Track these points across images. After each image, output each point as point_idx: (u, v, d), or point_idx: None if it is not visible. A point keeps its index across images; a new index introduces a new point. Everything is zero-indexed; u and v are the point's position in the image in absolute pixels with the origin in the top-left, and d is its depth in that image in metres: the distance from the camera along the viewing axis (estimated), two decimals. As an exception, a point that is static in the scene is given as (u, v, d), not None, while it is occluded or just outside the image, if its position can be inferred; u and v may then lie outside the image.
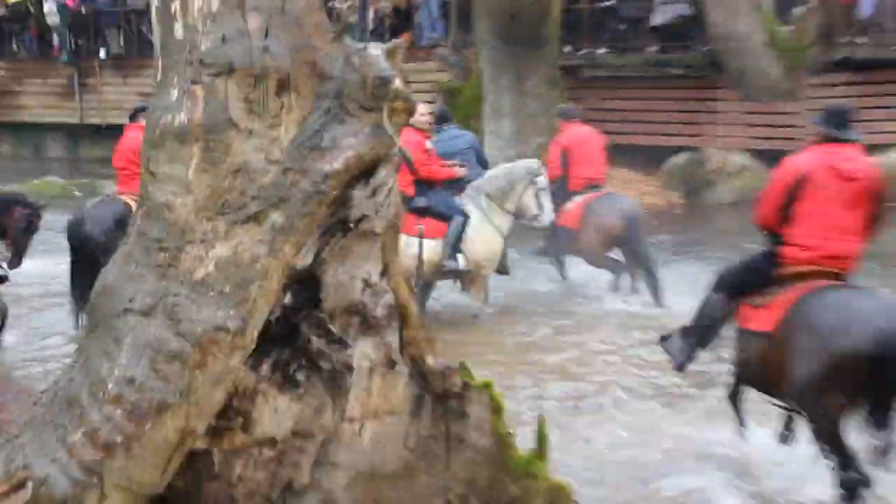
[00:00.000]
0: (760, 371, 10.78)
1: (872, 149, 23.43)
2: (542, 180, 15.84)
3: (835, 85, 23.73)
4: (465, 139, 17.14)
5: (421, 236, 14.63)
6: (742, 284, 11.40)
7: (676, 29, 25.07)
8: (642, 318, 15.72)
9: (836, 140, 10.45)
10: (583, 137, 15.74)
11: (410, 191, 14.70)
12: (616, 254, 16.52)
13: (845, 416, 10.12)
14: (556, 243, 15.19)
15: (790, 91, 23.80)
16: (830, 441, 10.13)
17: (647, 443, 11.73)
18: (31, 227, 14.17)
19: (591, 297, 17.12)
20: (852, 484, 9.84)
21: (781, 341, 10.36)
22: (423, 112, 15.29)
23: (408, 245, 14.34)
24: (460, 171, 15.37)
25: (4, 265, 13.77)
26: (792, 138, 23.40)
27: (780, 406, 11.00)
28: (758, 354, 10.73)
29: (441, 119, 17.13)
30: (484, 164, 16.45)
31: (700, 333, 11.62)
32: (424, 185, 14.83)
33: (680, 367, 11.78)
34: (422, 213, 14.82)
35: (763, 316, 10.68)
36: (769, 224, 10.88)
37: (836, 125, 10.52)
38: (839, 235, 10.32)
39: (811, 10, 23.88)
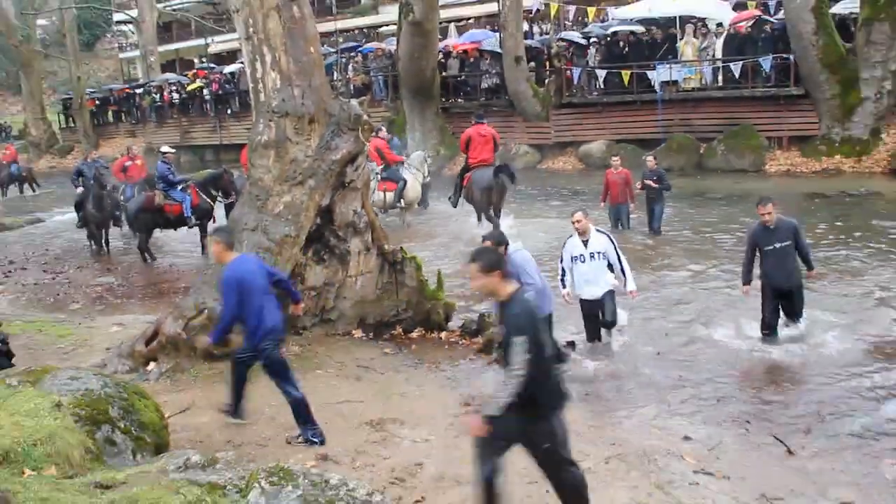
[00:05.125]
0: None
1: (579, 143, 24.23)
2: (429, 159, 17.34)
3: (563, 114, 24.64)
4: (396, 142, 18.32)
5: (385, 191, 15.65)
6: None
7: (493, 89, 25.82)
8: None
9: (479, 122, 14.14)
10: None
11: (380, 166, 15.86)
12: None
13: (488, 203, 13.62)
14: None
15: (544, 116, 24.52)
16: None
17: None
18: (234, 184, 14.07)
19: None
20: None
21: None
22: (384, 132, 16.75)
23: (379, 195, 15.31)
24: (400, 157, 16.60)
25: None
26: (547, 138, 24.96)
27: None
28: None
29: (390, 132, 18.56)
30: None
31: None
32: (386, 165, 15.79)
33: None
34: (385, 180, 15.67)
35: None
36: (463, 151, 14.36)
37: (478, 118, 14.35)
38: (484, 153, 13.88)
39: (552, 80, 24.54)
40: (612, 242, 8.16)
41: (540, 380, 4.36)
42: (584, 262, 8.11)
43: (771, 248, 8.13)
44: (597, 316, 8.25)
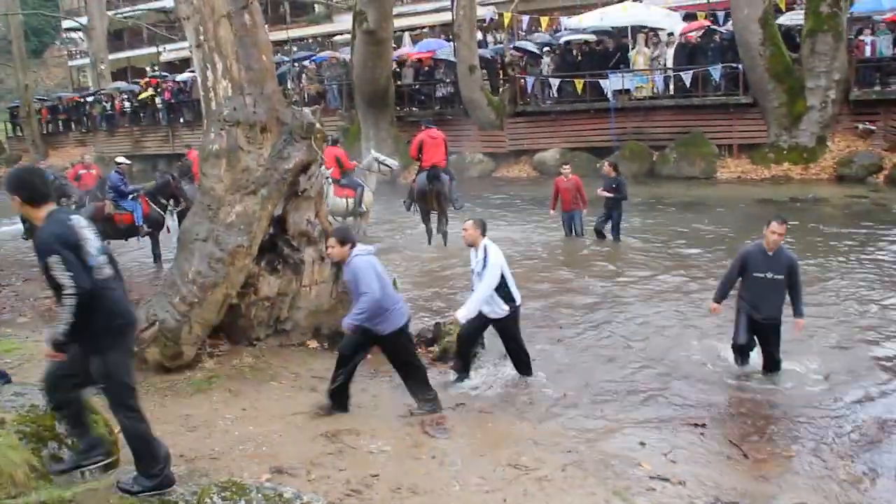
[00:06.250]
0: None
1: (533, 151, 24.18)
2: (383, 158, 16.72)
3: (518, 123, 24.77)
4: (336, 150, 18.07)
5: (346, 197, 15.28)
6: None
7: (448, 98, 25.81)
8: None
9: (428, 127, 14.10)
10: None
11: (338, 176, 15.64)
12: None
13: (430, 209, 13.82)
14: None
15: (498, 125, 24.54)
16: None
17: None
18: (183, 191, 13.94)
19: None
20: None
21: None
22: (340, 140, 16.48)
23: (339, 201, 15.05)
24: (354, 164, 16.44)
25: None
26: (501, 146, 25.03)
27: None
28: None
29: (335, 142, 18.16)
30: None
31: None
32: (343, 172, 15.45)
33: None
34: (344, 186, 15.36)
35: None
36: (413, 156, 14.33)
37: (427, 124, 14.34)
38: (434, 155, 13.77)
39: (506, 89, 24.77)
40: (486, 258, 7.23)
41: (90, 304, 4.23)
42: (474, 275, 7.38)
43: (761, 276, 7.18)
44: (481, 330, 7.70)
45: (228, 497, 4.17)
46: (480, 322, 7.47)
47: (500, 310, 7.37)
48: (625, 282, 11.29)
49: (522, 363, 7.62)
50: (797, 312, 7.27)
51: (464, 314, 7.22)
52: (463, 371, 7.70)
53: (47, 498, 4.32)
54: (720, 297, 7.58)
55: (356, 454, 5.90)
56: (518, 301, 7.47)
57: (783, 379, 7.38)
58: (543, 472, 5.54)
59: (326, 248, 6.85)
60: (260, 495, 4.22)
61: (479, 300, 7.23)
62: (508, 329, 7.51)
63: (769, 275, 7.13)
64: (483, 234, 7.38)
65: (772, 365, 7.40)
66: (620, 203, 13.71)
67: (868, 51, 20.02)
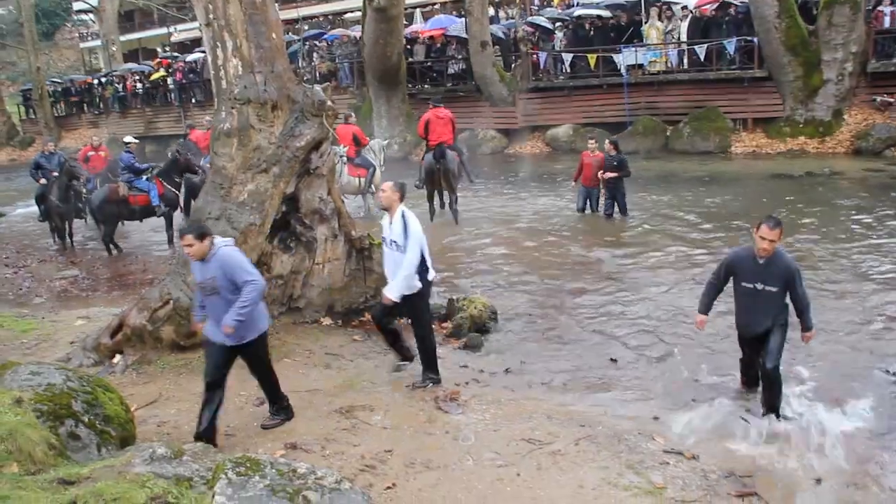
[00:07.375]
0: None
1: (546, 127, 23.96)
2: (387, 145, 16.99)
3: (530, 99, 24.51)
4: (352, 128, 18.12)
5: (358, 176, 15.35)
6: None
7: (460, 74, 25.61)
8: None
9: (436, 106, 13.93)
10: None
11: (353, 154, 15.68)
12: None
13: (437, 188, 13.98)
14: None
15: (511, 101, 24.36)
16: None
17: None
18: (192, 161, 13.99)
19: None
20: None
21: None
22: (353, 118, 16.46)
23: (352, 180, 15.14)
24: (367, 140, 16.44)
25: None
26: (514, 122, 24.80)
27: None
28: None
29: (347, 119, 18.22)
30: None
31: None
32: (357, 151, 15.29)
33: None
34: (358, 166, 15.37)
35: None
36: (421, 135, 14.22)
37: (435, 103, 14.18)
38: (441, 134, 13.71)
39: (518, 64, 24.50)
40: (406, 232, 6.57)
41: None
42: (388, 244, 6.75)
43: (751, 286, 6.02)
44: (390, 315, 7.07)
45: (243, 472, 4.19)
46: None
47: (414, 284, 6.70)
48: (638, 258, 11.26)
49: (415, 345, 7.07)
50: (805, 326, 6.09)
51: (395, 293, 6.65)
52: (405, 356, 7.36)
53: (65, 474, 4.37)
54: (705, 307, 6.43)
55: (370, 430, 5.95)
56: (432, 275, 6.86)
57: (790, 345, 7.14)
58: (557, 446, 5.57)
59: (184, 247, 5.80)
60: (274, 471, 4.24)
61: (408, 275, 6.61)
62: (416, 307, 6.84)
63: (759, 286, 5.99)
64: (401, 198, 6.74)
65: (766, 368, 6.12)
66: (622, 181, 13.62)
67: (887, 21, 19.73)
